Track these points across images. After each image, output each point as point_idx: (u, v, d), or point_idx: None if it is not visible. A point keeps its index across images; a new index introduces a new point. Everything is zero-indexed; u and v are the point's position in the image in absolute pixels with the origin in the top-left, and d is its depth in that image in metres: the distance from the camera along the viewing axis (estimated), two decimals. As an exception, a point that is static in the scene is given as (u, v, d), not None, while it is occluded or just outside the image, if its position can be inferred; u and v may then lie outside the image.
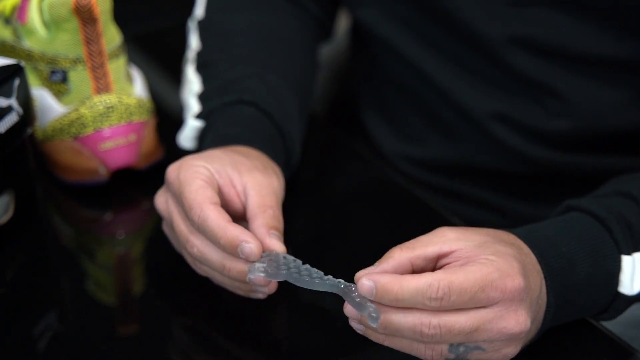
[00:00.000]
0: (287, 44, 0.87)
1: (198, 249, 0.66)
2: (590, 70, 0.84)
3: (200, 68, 0.84)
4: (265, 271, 0.62)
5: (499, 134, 0.89)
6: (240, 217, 0.68)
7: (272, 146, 0.76)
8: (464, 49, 0.88)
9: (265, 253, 0.63)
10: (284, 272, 0.62)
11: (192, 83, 0.84)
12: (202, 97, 0.80)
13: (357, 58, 1.05)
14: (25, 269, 0.76)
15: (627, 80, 0.84)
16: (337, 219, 0.81)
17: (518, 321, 0.59)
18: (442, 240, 0.60)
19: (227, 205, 0.68)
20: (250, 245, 0.62)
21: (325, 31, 0.97)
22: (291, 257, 0.63)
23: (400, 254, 0.60)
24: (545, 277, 0.62)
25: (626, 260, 0.65)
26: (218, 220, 0.64)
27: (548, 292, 0.62)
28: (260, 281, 0.63)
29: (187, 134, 0.80)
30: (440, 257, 0.60)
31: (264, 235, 0.65)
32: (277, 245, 0.64)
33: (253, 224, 0.66)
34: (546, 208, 0.73)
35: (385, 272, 0.59)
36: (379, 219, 0.80)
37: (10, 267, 0.76)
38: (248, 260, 0.63)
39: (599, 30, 0.81)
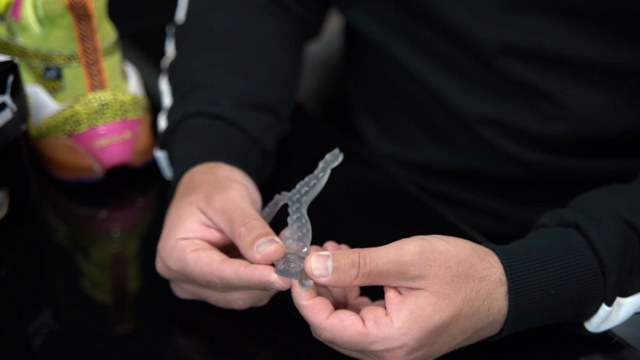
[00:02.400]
0: (259, 43, 0.85)
1: (243, 302, 0.66)
2: (584, 75, 0.84)
3: (171, 78, 0.84)
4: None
5: (490, 137, 0.89)
6: None
7: (221, 149, 0.73)
8: (455, 52, 0.88)
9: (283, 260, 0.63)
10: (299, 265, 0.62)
11: (164, 96, 0.84)
12: (168, 115, 0.79)
13: (349, 59, 1.04)
14: (20, 267, 0.76)
15: (621, 85, 0.84)
16: (331, 216, 0.80)
17: None
18: (397, 276, 0.60)
19: (224, 241, 0.67)
20: (275, 283, 0.62)
21: (311, 31, 0.95)
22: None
23: (352, 282, 0.60)
24: (508, 319, 0.62)
25: (604, 309, 0.64)
26: (237, 274, 0.62)
27: (504, 328, 0.63)
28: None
29: (162, 165, 0.80)
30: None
31: (255, 257, 0.63)
32: (270, 254, 0.62)
33: (243, 255, 0.64)
34: (539, 211, 0.72)
35: (328, 285, 0.60)
36: (375, 216, 0.80)
37: (4, 264, 0.75)
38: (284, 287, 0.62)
39: (591, 36, 0.82)
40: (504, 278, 0.62)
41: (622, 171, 0.86)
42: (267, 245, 0.62)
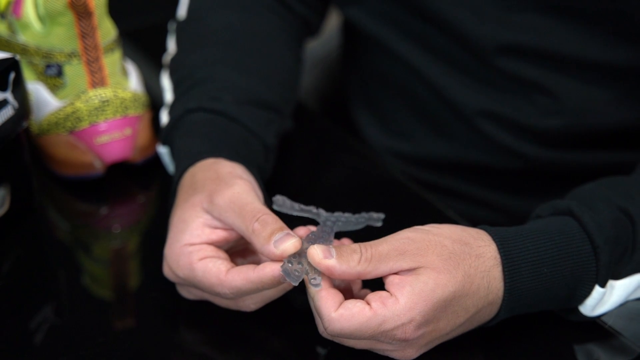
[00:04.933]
0: (260, 40, 0.86)
1: (255, 305, 0.66)
2: (580, 72, 0.84)
3: (172, 74, 0.84)
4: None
5: (488, 130, 0.89)
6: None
7: (223, 144, 0.73)
8: (453, 48, 0.88)
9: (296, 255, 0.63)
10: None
11: (166, 91, 0.84)
12: (170, 110, 0.80)
13: (348, 54, 1.05)
14: (22, 263, 0.76)
15: (617, 81, 0.85)
16: (329, 211, 0.81)
17: (404, 356, 0.62)
18: (397, 258, 0.61)
19: (231, 239, 0.67)
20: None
21: (312, 29, 0.96)
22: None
23: (355, 267, 0.60)
24: (504, 299, 0.63)
25: (598, 290, 0.65)
26: (248, 280, 0.63)
27: (501, 309, 0.63)
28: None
29: (165, 161, 0.80)
30: (389, 273, 0.61)
31: (272, 252, 0.63)
32: (289, 249, 0.63)
33: (259, 251, 0.64)
34: (536, 202, 0.73)
35: (333, 271, 0.60)
36: (372, 211, 0.80)
37: (6, 260, 0.76)
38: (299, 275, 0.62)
39: (587, 35, 0.82)
40: (498, 256, 0.63)
41: (617, 164, 0.87)
42: (285, 240, 0.62)
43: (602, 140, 0.88)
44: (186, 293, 0.69)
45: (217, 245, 0.67)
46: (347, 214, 0.69)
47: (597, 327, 0.68)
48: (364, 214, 0.70)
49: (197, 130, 0.76)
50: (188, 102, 0.77)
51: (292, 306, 0.68)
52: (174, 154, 0.76)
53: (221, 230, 0.67)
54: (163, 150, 0.79)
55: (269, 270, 0.62)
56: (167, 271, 0.68)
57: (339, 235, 0.68)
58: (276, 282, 0.63)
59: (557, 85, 0.85)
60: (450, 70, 0.89)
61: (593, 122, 0.86)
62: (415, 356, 0.62)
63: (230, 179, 0.68)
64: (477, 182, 0.95)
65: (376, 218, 0.70)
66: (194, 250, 0.65)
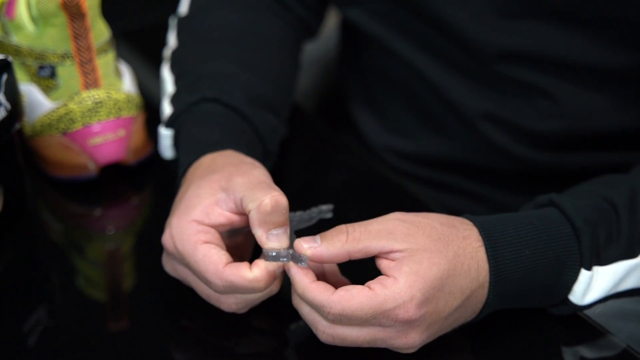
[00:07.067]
0: (264, 41, 0.86)
1: (237, 305, 0.66)
2: (581, 77, 0.85)
3: (174, 66, 0.84)
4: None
5: (488, 132, 0.89)
6: None
7: (241, 139, 0.75)
8: (455, 51, 0.88)
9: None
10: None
11: (166, 83, 0.83)
12: (173, 99, 0.80)
13: (346, 52, 1.05)
14: (15, 265, 0.76)
15: (617, 86, 0.85)
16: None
17: (407, 343, 0.62)
18: (388, 237, 0.62)
19: (237, 225, 0.67)
20: (292, 268, 0.62)
21: (310, 31, 0.96)
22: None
23: (343, 246, 0.61)
24: (491, 281, 0.64)
25: (584, 274, 0.66)
26: (245, 278, 0.63)
27: (490, 292, 0.64)
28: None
29: (164, 144, 0.79)
30: (380, 253, 0.62)
31: (263, 242, 0.63)
32: (274, 247, 0.63)
33: (251, 225, 0.64)
34: (531, 199, 0.73)
35: (321, 256, 0.61)
36: (369, 212, 0.80)
37: (-1, 262, 0.76)
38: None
39: (588, 41, 0.82)
40: (480, 238, 0.64)
41: (618, 165, 0.87)
42: (279, 239, 0.63)
43: (602, 143, 0.88)
44: (170, 267, 0.68)
45: (221, 228, 0.66)
46: (298, 212, 0.70)
47: (582, 323, 0.68)
48: (314, 209, 0.71)
49: (215, 120, 0.76)
50: (203, 92, 0.77)
51: (286, 310, 0.68)
52: (183, 138, 0.76)
53: (230, 214, 0.66)
54: (165, 133, 0.79)
55: (265, 277, 0.63)
56: (167, 239, 0.67)
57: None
58: (274, 278, 0.63)
59: (558, 89, 0.85)
60: (452, 72, 0.89)
61: (593, 125, 0.87)
62: (418, 342, 0.62)
63: (252, 166, 0.69)
64: (476, 180, 0.95)
65: (326, 210, 0.71)
66: (202, 230, 0.65)
